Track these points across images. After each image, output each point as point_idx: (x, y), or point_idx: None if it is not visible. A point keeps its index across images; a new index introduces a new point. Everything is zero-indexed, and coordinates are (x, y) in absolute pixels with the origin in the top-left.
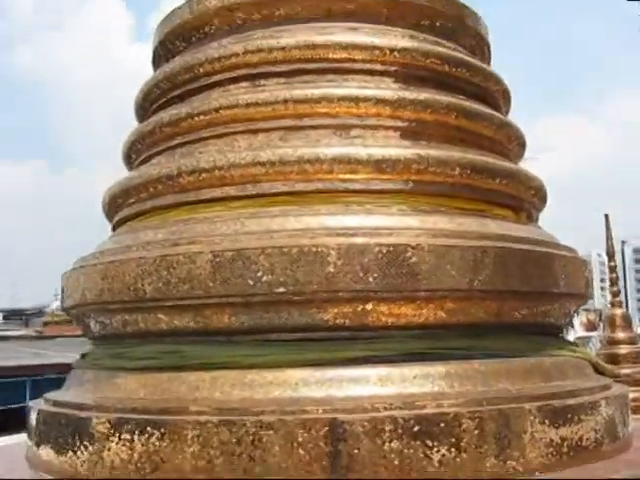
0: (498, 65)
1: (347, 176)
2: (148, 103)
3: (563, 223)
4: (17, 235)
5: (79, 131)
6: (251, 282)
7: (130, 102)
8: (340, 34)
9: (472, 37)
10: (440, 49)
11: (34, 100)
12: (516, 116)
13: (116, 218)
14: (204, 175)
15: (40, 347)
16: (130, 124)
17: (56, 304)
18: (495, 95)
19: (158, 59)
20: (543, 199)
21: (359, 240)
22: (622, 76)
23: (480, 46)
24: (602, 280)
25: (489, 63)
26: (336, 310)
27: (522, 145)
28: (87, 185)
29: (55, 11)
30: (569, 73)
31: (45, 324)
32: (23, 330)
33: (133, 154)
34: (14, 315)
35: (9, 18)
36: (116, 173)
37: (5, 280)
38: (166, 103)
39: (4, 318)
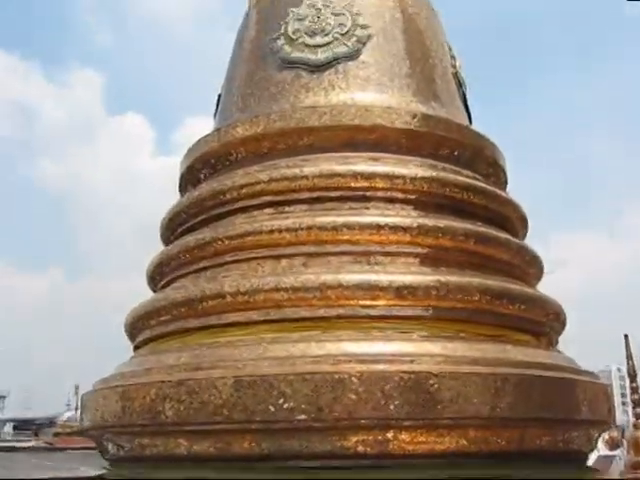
0: (513, 179)
1: (368, 302)
2: (174, 226)
3: (582, 336)
4: (31, 345)
5: (97, 240)
6: (272, 409)
7: (148, 211)
8: (361, 164)
9: (489, 165)
10: (458, 178)
11: (54, 210)
12: (531, 229)
13: (138, 339)
14: (228, 300)
15: (50, 459)
16: (147, 233)
17: (67, 415)
18: (512, 220)
19: (185, 184)
20: (563, 323)
21: (380, 367)
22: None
23: (497, 173)
24: (623, 395)
25: (505, 188)
26: (357, 438)
27: (540, 268)
28: (102, 292)
29: (82, 123)
30: (586, 187)
31: (56, 435)
32: (33, 441)
33: (157, 276)
34: (25, 425)
35: (35, 129)
36: (128, 278)
37: (18, 389)
38: (192, 227)
39: (14, 428)
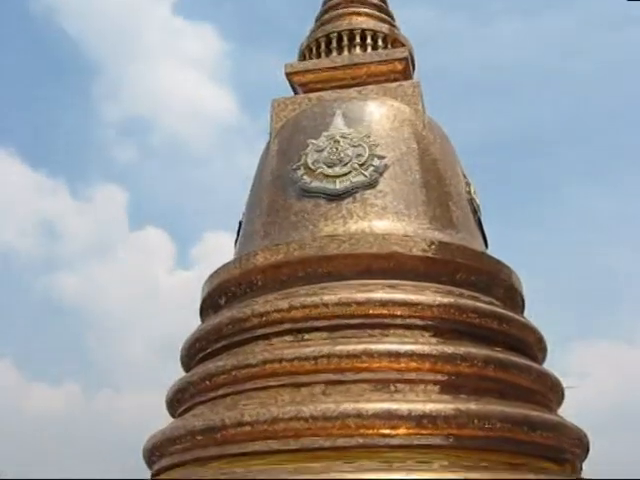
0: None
1: (388, 431)
2: (194, 352)
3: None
4: (45, 460)
5: (114, 353)
6: None
7: (165, 325)
8: (379, 291)
9: (506, 289)
10: (477, 304)
11: (72, 323)
12: (549, 340)
13: (157, 466)
14: (247, 428)
15: None
16: (164, 349)
17: None
18: (531, 344)
19: (205, 309)
20: (586, 449)
21: None
22: None
23: (514, 297)
24: None
25: (523, 312)
26: None
27: (561, 393)
28: (118, 406)
29: (103, 238)
30: (606, 297)
31: None
32: None
33: (177, 402)
34: None
35: (58, 244)
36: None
37: None
38: (212, 354)
39: None
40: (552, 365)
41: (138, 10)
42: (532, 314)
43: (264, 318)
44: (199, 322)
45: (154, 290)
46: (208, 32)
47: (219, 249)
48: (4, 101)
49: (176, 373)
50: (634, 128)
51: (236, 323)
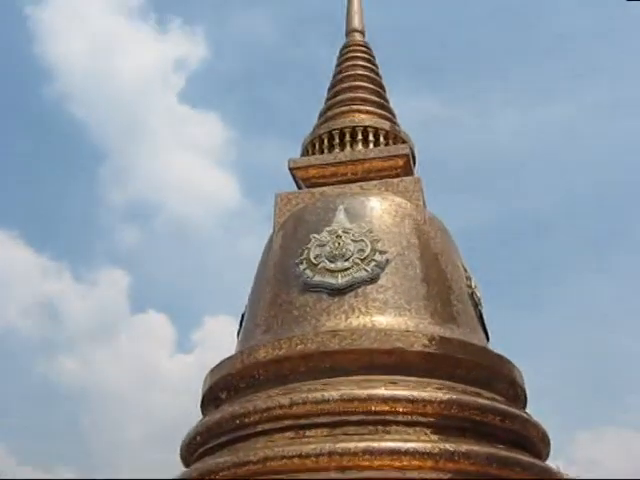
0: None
1: None
2: (194, 447)
3: None
4: None
5: (111, 438)
6: None
7: (165, 410)
8: (381, 388)
9: (508, 384)
10: (478, 400)
11: (70, 407)
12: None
13: None
14: None
15: None
16: (162, 433)
17: None
18: (534, 440)
19: (207, 404)
20: None
21: None
22: None
23: (515, 392)
24: None
25: (525, 406)
26: None
27: None
28: None
29: (105, 321)
30: (610, 383)
31: None
32: None
33: None
34: None
35: (59, 327)
36: None
37: None
38: (212, 449)
39: None
40: (559, 453)
41: (146, 98)
42: (537, 403)
43: (265, 414)
44: (198, 408)
45: (154, 374)
46: (213, 120)
47: (219, 333)
48: (10, 184)
49: (175, 462)
50: (632, 212)
51: (237, 419)
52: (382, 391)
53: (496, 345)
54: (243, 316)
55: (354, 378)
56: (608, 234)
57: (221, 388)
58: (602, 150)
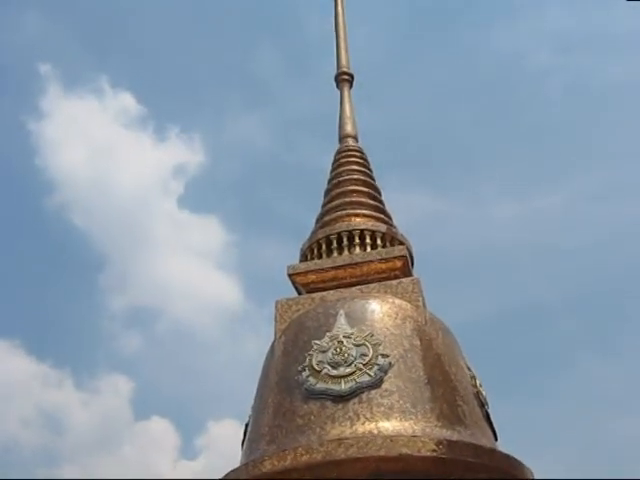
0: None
1: None
2: None
3: None
4: None
5: None
6: None
7: None
8: None
9: None
10: None
11: None
12: None
13: None
14: None
15: None
16: None
17: None
18: None
19: None
20: None
21: None
22: None
23: None
24: None
25: None
26: None
27: None
28: None
29: (108, 429)
30: (619, 468)
31: None
32: None
33: None
34: None
35: (62, 437)
36: None
37: None
38: None
39: None
40: None
41: (146, 205)
42: None
43: None
44: None
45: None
46: (213, 224)
47: (224, 438)
48: (10, 294)
49: None
50: (634, 294)
51: None
52: None
53: (506, 443)
54: (247, 425)
55: None
56: (611, 318)
57: None
58: (601, 235)
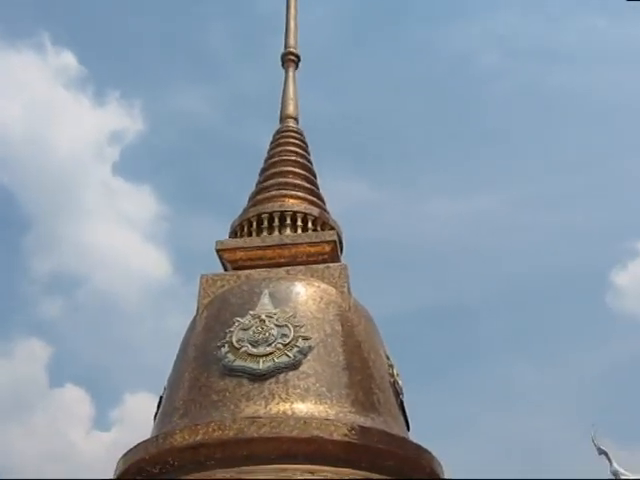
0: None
1: None
2: None
3: None
4: None
5: None
6: None
7: None
8: (297, 477)
9: (427, 475)
10: None
11: None
12: None
13: None
14: None
15: None
16: None
17: None
18: None
19: None
20: None
21: None
22: None
23: None
24: None
25: None
26: None
27: None
28: None
29: (20, 395)
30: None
31: None
32: None
33: None
34: None
35: None
36: None
37: None
38: None
39: None
40: None
41: (78, 168)
42: None
43: None
44: None
45: (69, 451)
46: (146, 193)
47: (139, 412)
48: None
49: None
50: (553, 303)
51: None
52: None
53: (419, 433)
54: (161, 398)
55: (271, 467)
56: (532, 321)
57: (133, 473)
58: (527, 241)
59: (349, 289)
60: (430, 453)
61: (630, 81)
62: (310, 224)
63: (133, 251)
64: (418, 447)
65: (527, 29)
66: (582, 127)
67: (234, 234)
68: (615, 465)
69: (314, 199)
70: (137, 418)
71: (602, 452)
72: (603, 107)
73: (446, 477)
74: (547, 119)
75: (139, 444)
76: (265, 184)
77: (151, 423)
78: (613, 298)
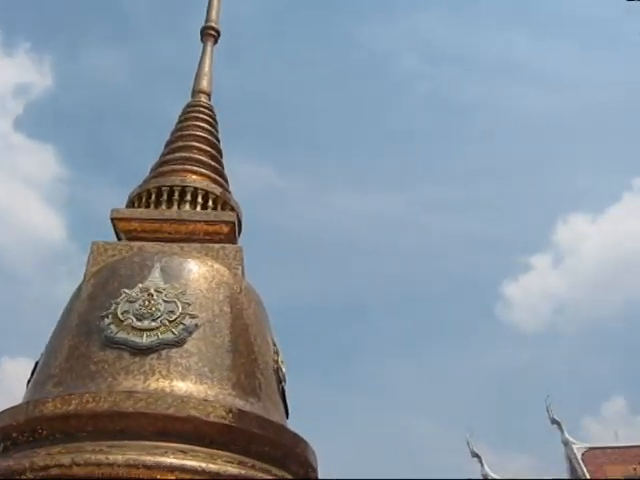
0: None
1: None
2: None
3: None
4: None
5: None
6: None
7: None
8: (170, 456)
9: (300, 464)
10: (265, 478)
11: None
12: None
13: None
14: None
15: None
16: None
17: None
18: None
19: None
20: None
21: None
22: None
23: (307, 473)
24: None
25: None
26: None
27: None
28: None
29: None
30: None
31: None
32: None
33: None
34: None
35: None
36: None
37: None
38: None
39: None
40: None
41: None
42: None
43: (42, 473)
44: None
45: None
46: (48, 153)
47: (16, 377)
48: None
49: None
50: (445, 309)
51: (11, 475)
52: (170, 459)
53: (299, 422)
54: (37, 364)
55: (144, 443)
56: (419, 325)
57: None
58: (426, 244)
59: (243, 272)
60: (306, 442)
61: (539, 97)
62: (210, 203)
63: (28, 211)
64: (295, 435)
65: (449, 36)
66: (490, 138)
67: (131, 204)
68: (486, 468)
69: (217, 178)
70: (15, 383)
71: (475, 455)
72: (512, 121)
73: (320, 467)
74: (457, 127)
75: (6, 410)
76: (169, 157)
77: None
78: (502, 308)
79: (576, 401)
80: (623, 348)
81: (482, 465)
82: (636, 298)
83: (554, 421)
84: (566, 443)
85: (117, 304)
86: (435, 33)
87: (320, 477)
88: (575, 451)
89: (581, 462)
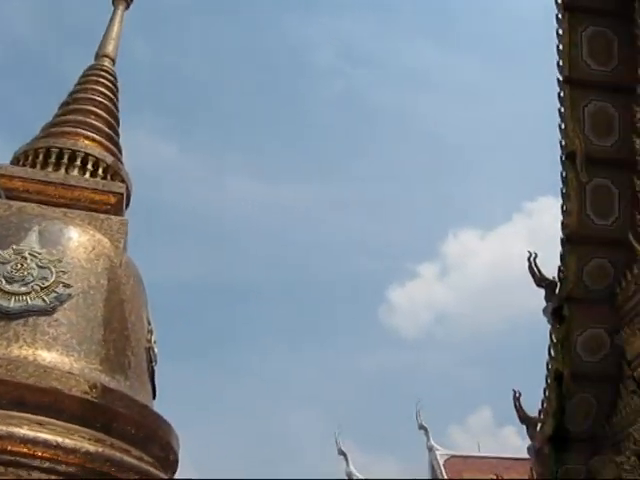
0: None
1: None
2: None
3: None
4: None
5: None
6: None
7: None
8: (25, 427)
9: (161, 446)
10: (124, 457)
11: None
12: None
13: None
14: None
15: None
16: None
17: None
18: None
19: None
20: None
21: None
22: None
23: (167, 455)
24: None
25: (175, 471)
26: None
27: None
28: None
29: None
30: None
31: None
32: None
33: None
34: None
35: None
36: None
37: None
38: None
39: None
40: None
41: None
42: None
43: None
44: None
45: None
46: None
47: None
48: None
49: None
50: (334, 304)
51: None
52: (25, 431)
53: (166, 404)
54: None
55: (0, 412)
56: (306, 319)
57: None
58: (324, 239)
59: (125, 245)
60: (169, 425)
61: (445, 107)
62: (101, 171)
63: None
64: (158, 417)
65: (367, 38)
66: (396, 143)
67: (16, 161)
68: (351, 467)
69: (111, 146)
70: None
71: (342, 453)
72: (417, 128)
73: (180, 449)
74: (367, 127)
75: None
76: (62, 118)
77: None
78: (385, 312)
79: (445, 409)
80: (495, 363)
81: (347, 463)
82: (513, 319)
83: (422, 427)
84: (430, 449)
85: None
86: (355, 33)
87: (180, 460)
88: (438, 457)
89: (442, 468)
